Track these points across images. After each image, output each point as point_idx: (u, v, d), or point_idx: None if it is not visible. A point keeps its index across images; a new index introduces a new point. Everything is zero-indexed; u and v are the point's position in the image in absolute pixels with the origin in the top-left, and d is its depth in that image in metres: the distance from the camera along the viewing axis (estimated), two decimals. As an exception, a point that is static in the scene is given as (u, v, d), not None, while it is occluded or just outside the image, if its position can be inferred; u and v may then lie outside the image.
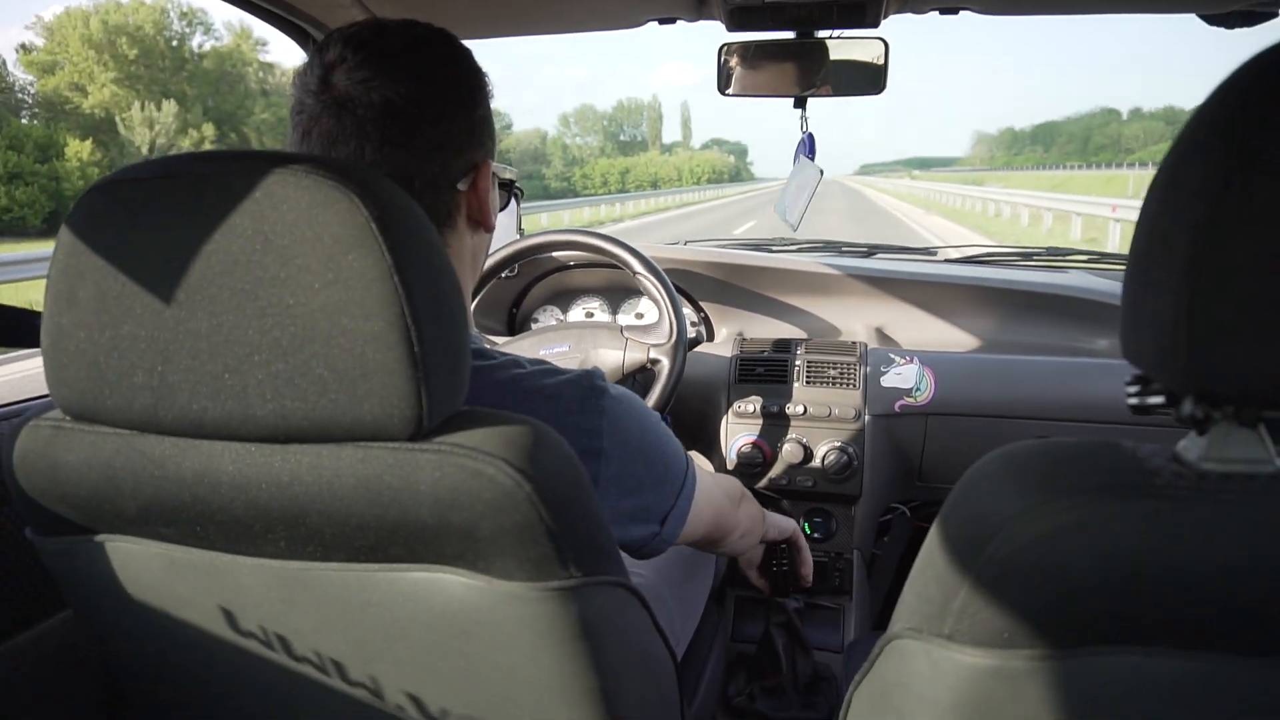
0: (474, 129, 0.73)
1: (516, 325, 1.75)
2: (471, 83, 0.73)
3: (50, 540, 0.65)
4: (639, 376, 1.34)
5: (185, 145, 43.00)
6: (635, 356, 1.32)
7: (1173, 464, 0.44)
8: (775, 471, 1.48)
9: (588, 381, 0.72)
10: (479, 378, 0.70)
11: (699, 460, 1.51)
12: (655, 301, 1.32)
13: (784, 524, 1.15)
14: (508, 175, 0.83)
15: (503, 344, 1.40)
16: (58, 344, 0.56)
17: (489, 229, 0.79)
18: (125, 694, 0.85)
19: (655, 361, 1.31)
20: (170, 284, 0.53)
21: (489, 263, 1.41)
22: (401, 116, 0.68)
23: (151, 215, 0.53)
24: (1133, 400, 0.47)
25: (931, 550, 0.51)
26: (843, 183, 77.75)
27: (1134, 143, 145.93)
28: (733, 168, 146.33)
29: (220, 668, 0.69)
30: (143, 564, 0.64)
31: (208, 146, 13.86)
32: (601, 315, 1.73)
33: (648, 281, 1.31)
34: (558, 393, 0.71)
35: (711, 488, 0.90)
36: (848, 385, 1.45)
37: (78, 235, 0.55)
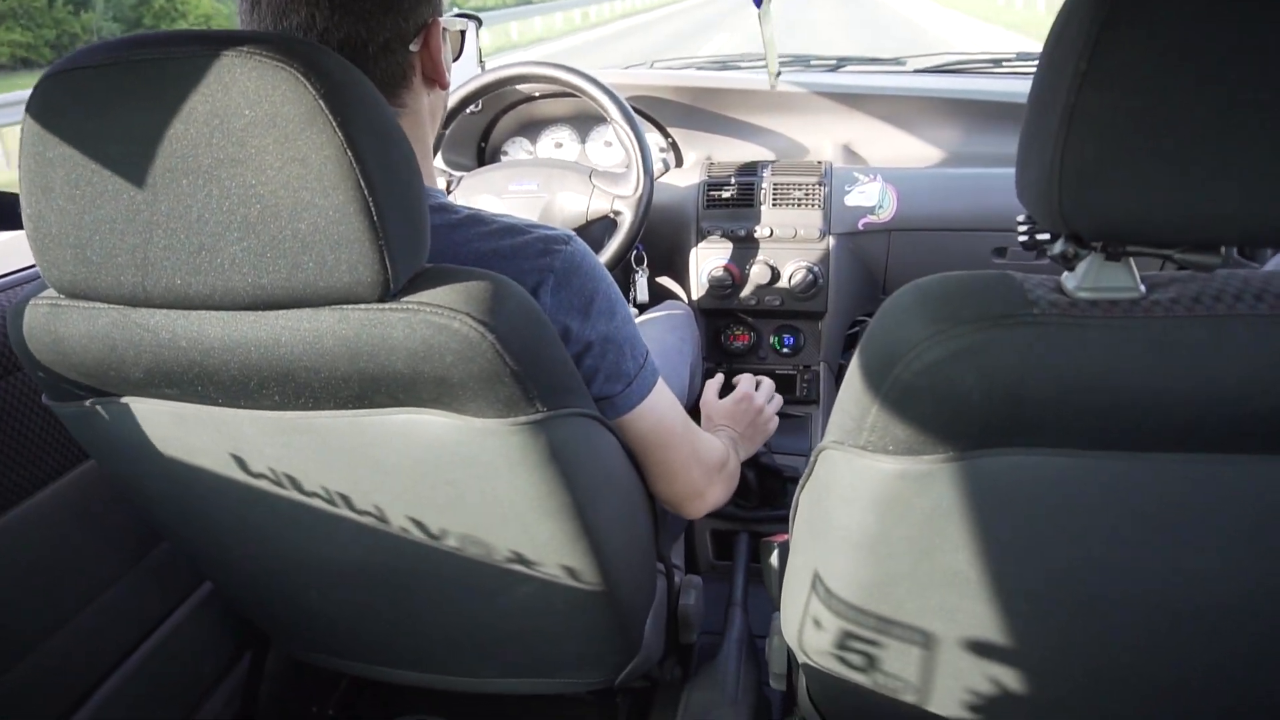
0: None
1: (486, 158, 1.75)
2: None
3: (66, 406, 0.72)
4: (601, 223, 1.37)
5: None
6: (599, 205, 1.34)
7: (1054, 294, 0.50)
8: (744, 293, 1.54)
9: (543, 245, 0.73)
10: (441, 237, 0.72)
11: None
12: (624, 146, 1.32)
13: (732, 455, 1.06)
14: (458, 27, 0.84)
15: (475, 174, 1.42)
16: (40, 230, 0.60)
17: (444, 86, 0.81)
18: (156, 532, 0.95)
19: (618, 213, 1.33)
20: (138, 168, 0.56)
21: (451, 100, 1.39)
22: None
23: (108, 103, 0.55)
24: (1022, 238, 0.53)
25: (853, 371, 0.58)
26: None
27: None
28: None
29: (237, 505, 0.78)
30: (154, 421, 0.71)
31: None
32: (571, 144, 1.73)
33: (618, 127, 1.31)
34: (513, 253, 0.73)
35: (671, 404, 0.86)
36: (812, 206, 1.48)
37: (42, 125, 0.57)
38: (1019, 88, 1.58)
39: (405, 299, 0.59)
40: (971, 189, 1.46)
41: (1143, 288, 0.50)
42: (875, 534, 0.60)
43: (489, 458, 0.66)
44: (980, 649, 0.67)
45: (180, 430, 0.71)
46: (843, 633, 0.70)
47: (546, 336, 0.65)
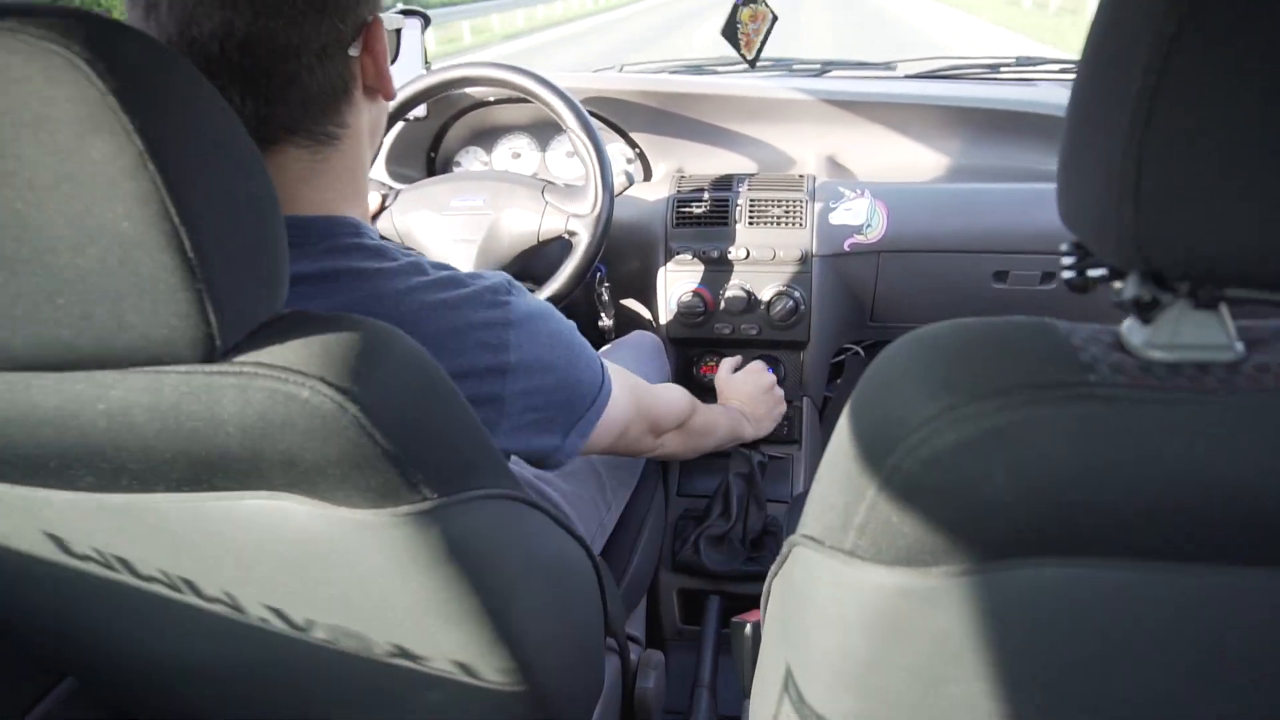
0: None
1: (436, 169, 1.60)
2: None
3: None
4: (556, 244, 1.22)
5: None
6: (553, 224, 1.19)
7: (1114, 352, 0.36)
8: (718, 320, 1.40)
9: (491, 296, 0.65)
10: (371, 283, 0.61)
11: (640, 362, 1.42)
12: (582, 159, 1.18)
13: (747, 428, 1.20)
14: (394, 25, 0.70)
15: (414, 188, 1.27)
16: None
17: (389, 97, 0.68)
18: None
19: (573, 233, 1.18)
20: None
21: (393, 103, 1.25)
22: None
23: None
24: (1068, 274, 0.39)
25: (837, 448, 0.44)
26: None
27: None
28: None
29: (72, 596, 0.63)
30: None
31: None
32: (530, 155, 1.58)
33: (575, 137, 1.17)
34: (461, 303, 0.63)
35: (624, 406, 0.82)
36: (793, 224, 1.34)
37: None
38: (1020, 94, 1.45)
39: (239, 358, 0.44)
40: (969, 206, 1.32)
41: (1240, 346, 0.36)
42: (866, 661, 0.46)
43: (368, 554, 0.51)
44: None
45: None
46: None
47: (442, 402, 0.51)
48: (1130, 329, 0.37)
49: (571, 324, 0.73)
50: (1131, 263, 0.34)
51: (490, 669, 0.62)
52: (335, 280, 0.60)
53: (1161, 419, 0.34)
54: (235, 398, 0.44)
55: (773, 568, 0.57)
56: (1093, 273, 0.37)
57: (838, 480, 0.43)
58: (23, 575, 0.61)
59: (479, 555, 0.54)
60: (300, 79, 0.58)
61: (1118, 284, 0.36)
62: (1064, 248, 0.39)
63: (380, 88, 0.66)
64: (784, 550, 0.52)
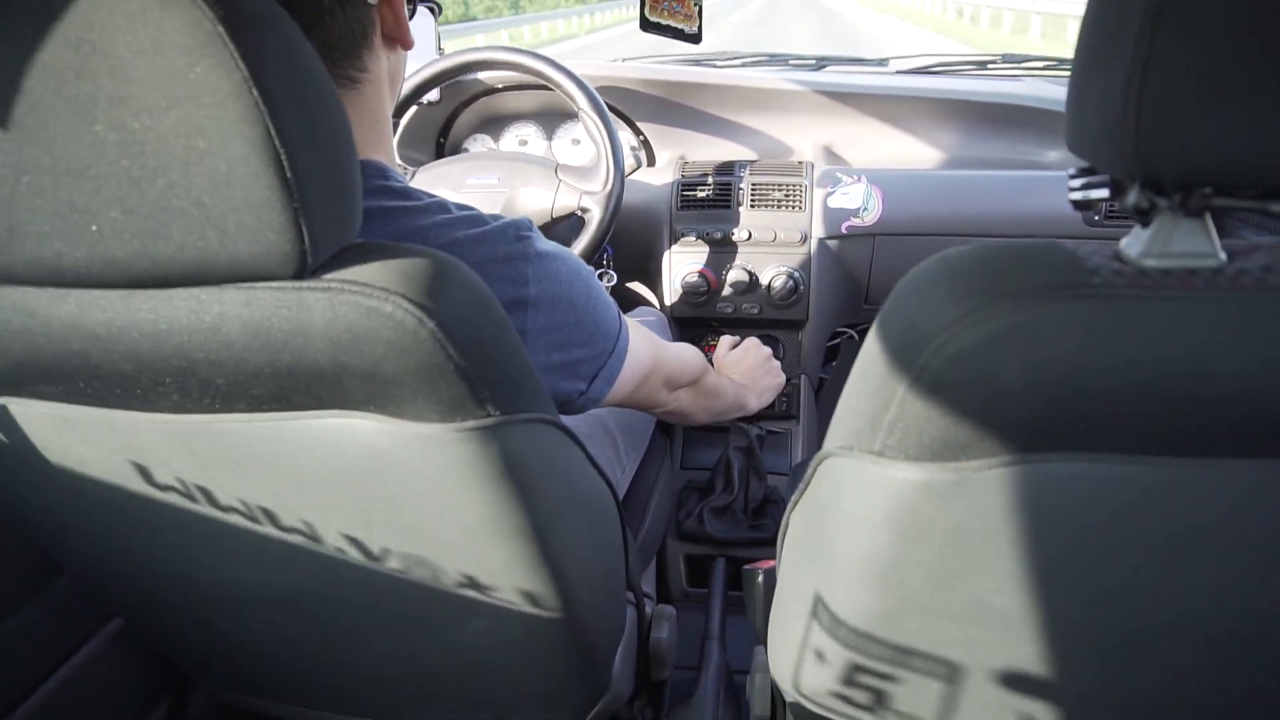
0: None
1: (445, 155, 1.65)
2: None
3: None
4: (568, 222, 1.27)
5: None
6: (566, 201, 1.23)
7: (1114, 262, 0.41)
8: (720, 300, 1.45)
9: (514, 230, 0.68)
10: (399, 221, 0.65)
11: (646, 321, 1.47)
12: (593, 140, 1.23)
13: (750, 399, 1.22)
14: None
15: (429, 167, 1.31)
16: None
17: (407, 46, 0.71)
18: (54, 560, 0.83)
19: (585, 210, 1.23)
20: None
21: (406, 87, 1.29)
22: None
23: None
24: (1075, 195, 0.44)
25: (865, 363, 0.49)
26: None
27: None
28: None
29: (141, 525, 0.66)
30: (34, 426, 0.59)
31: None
32: (537, 142, 1.63)
33: (587, 118, 1.22)
34: (483, 239, 0.66)
35: (645, 355, 0.84)
36: (793, 208, 1.40)
37: None
38: (1009, 89, 1.52)
39: (327, 276, 0.49)
40: (961, 191, 1.39)
41: (1224, 255, 0.41)
42: (886, 558, 0.51)
43: (432, 470, 0.55)
44: (1009, 683, 0.57)
45: (67, 437, 0.60)
46: (850, 667, 0.60)
47: (500, 327, 0.56)
48: (1128, 244, 0.43)
49: (591, 270, 0.75)
50: (1132, 172, 0.39)
51: (531, 592, 0.66)
52: (364, 219, 0.62)
53: (1154, 314, 0.39)
54: (324, 311, 0.48)
55: (792, 499, 0.61)
56: (1095, 194, 0.43)
57: (867, 388, 0.48)
58: (96, 504, 0.65)
59: (530, 475, 0.58)
60: (323, 22, 0.62)
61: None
62: (1071, 172, 0.45)
63: (399, 36, 0.69)
64: (808, 471, 0.57)
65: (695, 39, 1.24)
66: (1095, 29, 0.41)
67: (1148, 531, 0.47)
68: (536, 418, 0.58)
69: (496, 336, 0.55)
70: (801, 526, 0.62)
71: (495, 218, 0.69)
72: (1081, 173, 0.44)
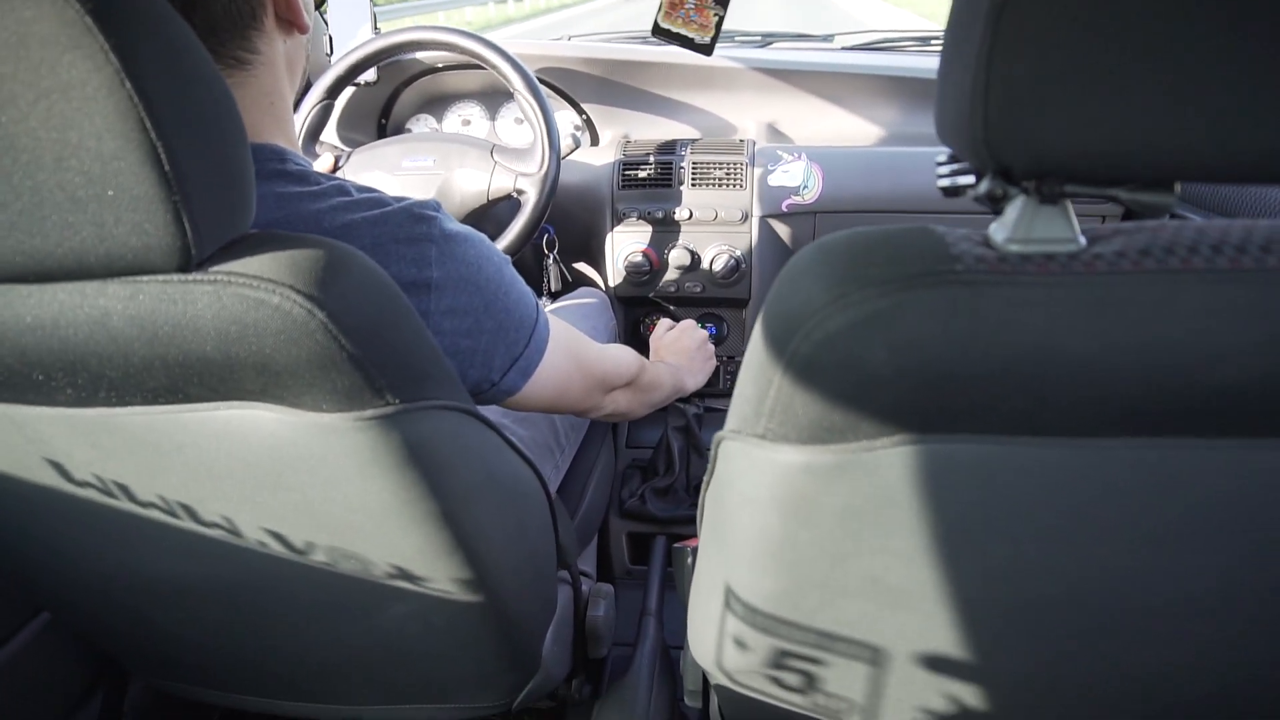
0: None
1: (388, 135, 1.63)
2: None
3: None
4: (505, 204, 1.26)
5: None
6: (501, 183, 1.23)
7: (979, 247, 0.42)
8: (664, 279, 1.45)
9: (418, 209, 0.66)
10: (294, 205, 0.64)
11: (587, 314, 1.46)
12: (529, 120, 1.22)
13: (688, 380, 1.19)
14: None
15: (365, 149, 1.30)
16: None
17: (303, 30, 0.69)
18: None
19: (521, 192, 1.22)
20: None
21: (343, 66, 1.27)
22: None
23: None
24: (944, 182, 0.45)
25: (751, 348, 0.50)
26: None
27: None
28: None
29: (56, 517, 0.66)
30: None
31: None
32: (480, 121, 1.62)
33: (522, 98, 1.21)
34: (382, 220, 0.65)
35: (569, 352, 0.81)
36: (734, 186, 1.40)
37: None
38: None
39: (215, 269, 0.49)
40: (901, 168, 1.40)
41: (1082, 240, 0.42)
42: (778, 538, 0.52)
43: (335, 459, 0.56)
44: (925, 663, 0.59)
45: None
46: (770, 650, 0.62)
47: (399, 315, 0.55)
48: (995, 229, 0.44)
49: (505, 257, 0.73)
50: (984, 163, 0.40)
51: (449, 577, 0.67)
52: (259, 204, 0.61)
53: (1011, 298, 0.40)
54: (210, 304, 0.48)
55: (704, 479, 0.63)
56: (961, 180, 0.44)
57: (750, 374, 0.49)
58: (14, 499, 0.64)
59: (438, 461, 0.59)
60: (204, 2, 0.60)
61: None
62: (940, 159, 0.46)
63: (293, 19, 0.67)
64: (711, 455, 0.58)
65: (707, 50, 1.19)
66: (954, 20, 0.41)
67: (1030, 510, 0.48)
68: (442, 404, 0.58)
69: (394, 324, 0.55)
70: (711, 508, 0.63)
71: (399, 199, 0.67)
72: (950, 159, 0.45)
